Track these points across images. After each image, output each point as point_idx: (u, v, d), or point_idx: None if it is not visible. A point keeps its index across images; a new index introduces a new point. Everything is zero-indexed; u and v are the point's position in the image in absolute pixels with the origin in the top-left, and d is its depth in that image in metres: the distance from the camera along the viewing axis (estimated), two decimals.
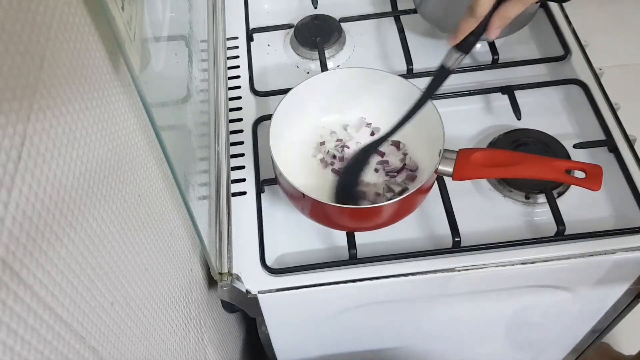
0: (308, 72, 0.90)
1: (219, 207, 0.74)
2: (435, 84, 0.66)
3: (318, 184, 0.74)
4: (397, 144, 0.76)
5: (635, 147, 0.76)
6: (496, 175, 0.72)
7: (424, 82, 0.78)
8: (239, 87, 0.87)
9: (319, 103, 0.77)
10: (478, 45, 0.90)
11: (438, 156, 0.67)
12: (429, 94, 0.67)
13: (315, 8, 0.96)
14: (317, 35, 0.91)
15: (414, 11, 0.91)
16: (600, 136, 0.77)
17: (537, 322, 0.88)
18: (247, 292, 0.69)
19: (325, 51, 0.88)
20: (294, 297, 0.69)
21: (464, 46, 0.62)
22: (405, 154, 0.75)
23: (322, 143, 0.77)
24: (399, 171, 0.74)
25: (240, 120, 0.84)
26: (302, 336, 0.84)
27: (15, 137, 0.29)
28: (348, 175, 0.71)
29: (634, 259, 0.70)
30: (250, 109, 0.85)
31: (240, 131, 0.82)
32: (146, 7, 0.49)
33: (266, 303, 0.70)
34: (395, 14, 0.92)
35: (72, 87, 0.36)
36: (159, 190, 0.54)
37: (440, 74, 0.65)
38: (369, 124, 0.78)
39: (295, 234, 0.74)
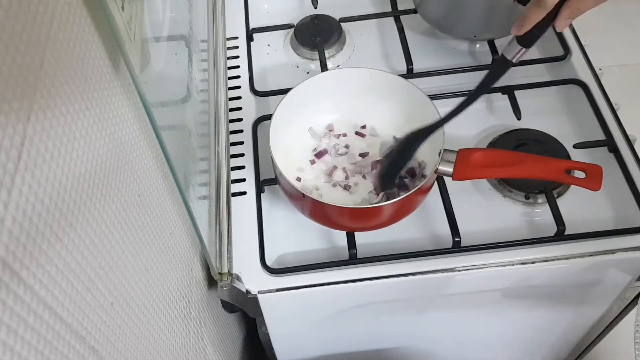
0: (308, 72, 0.90)
1: (219, 207, 0.74)
2: (494, 75, 0.62)
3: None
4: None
5: (635, 147, 0.76)
6: (496, 175, 0.72)
7: (424, 82, 0.79)
8: (239, 87, 0.87)
9: (319, 103, 0.77)
10: (477, 45, 0.90)
11: (438, 156, 0.67)
12: (487, 85, 0.63)
13: (315, 8, 0.96)
14: (317, 35, 0.91)
15: (414, 11, 0.91)
16: (600, 136, 0.77)
17: (537, 322, 0.88)
18: (247, 292, 0.69)
19: (325, 51, 0.88)
20: (294, 297, 0.69)
21: (527, 39, 0.57)
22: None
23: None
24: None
25: (240, 120, 0.84)
26: (302, 336, 0.84)
27: (15, 137, 0.29)
28: (392, 164, 0.70)
29: (634, 259, 0.70)
30: (250, 109, 0.85)
31: (240, 131, 0.82)
32: (146, 7, 0.49)
33: (266, 303, 0.70)
34: (395, 14, 0.92)
35: (72, 87, 0.36)
36: (159, 190, 0.54)
37: (500, 65, 0.61)
38: (363, 126, 0.78)
39: (295, 234, 0.74)
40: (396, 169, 0.70)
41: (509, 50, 0.59)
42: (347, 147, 0.76)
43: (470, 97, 0.64)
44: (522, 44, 0.58)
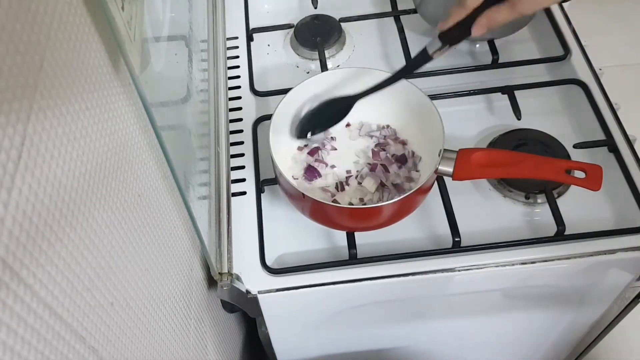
0: (308, 72, 0.90)
1: (219, 207, 0.74)
2: (413, 64, 0.67)
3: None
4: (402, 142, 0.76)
5: (635, 147, 0.76)
6: (496, 175, 0.72)
7: (424, 82, 0.79)
8: (239, 87, 0.87)
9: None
10: (477, 45, 0.90)
11: (438, 156, 0.67)
12: (404, 72, 0.68)
13: (315, 8, 0.96)
14: (317, 35, 0.91)
15: (414, 11, 0.91)
16: (600, 136, 0.77)
17: (537, 322, 0.88)
18: (247, 292, 0.69)
19: (325, 51, 0.88)
20: (294, 297, 0.69)
21: (448, 37, 0.62)
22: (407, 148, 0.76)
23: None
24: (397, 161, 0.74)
25: (240, 120, 0.84)
26: (302, 336, 0.84)
27: (15, 137, 0.29)
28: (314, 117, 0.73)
29: (634, 259, 0.70)
30: (250, 109, 0.85)
31: (240, 131, 0.82)
32: (146, 7, 0.49)
33: (266, 303, 0.70)
34: (395, 14, 0.92)
35: (72, 87, 0.36)
36: (159, 190, 0.54)
37: (420, 56, 0.65)
38: (366, 125, 0.78)
39: (295, 234, 0.74)
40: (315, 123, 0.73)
41: (431, 45, 0.64)
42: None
43: (388, 80, 0.69)
44: (443, 41, 0.62)
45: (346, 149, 0.76)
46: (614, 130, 0.77)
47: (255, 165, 0.78)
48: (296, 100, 0.74)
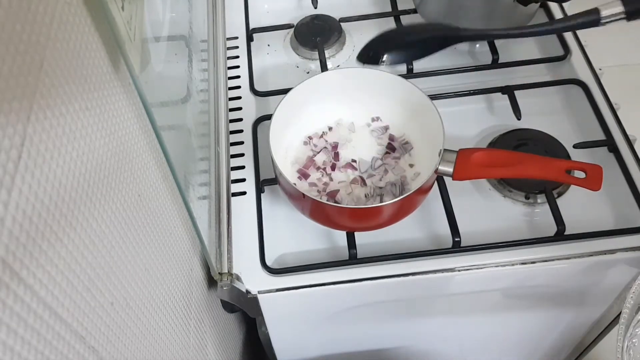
0: (308, 72, 0.90)
1: (219, 207, 0.74)
2: (575, 22, 0.58)
3: None
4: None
5: (635, 147, 0.76)
6: (496, 175, 0.72)
7: (424, 82, 0.79)
8: (239, 87, 0.87)
9: (319, 103, 0.77)
10: (477, 45, 0.90)
11: (438, 156, 0.67)
12: (542, 28, 0.61)
13: (315, 8, 0.96)
14: (317, 35, 0.91)
15: (414, 11, 0.91)
16: (600, 136, 0.77)
17: (537, 322, 0.88)
18: (247, 292, 0.69)
19: (325, 51, 0.88)
20: (294, 297, 0.69)
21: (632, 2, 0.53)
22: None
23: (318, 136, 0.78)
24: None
25: (240, 120, 0.84)
26: (302, 336, 0.84)
27: (15, 137, 0.29)
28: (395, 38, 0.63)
29: (634, 259, 0.70)
30: (250, 109, 0.85)
31: (240, 131, 0.82)
32: (146, 7, 0.49)
33: (266, 303, 0.70)
34: (395, 14, 0.92)
35: (72, 87, 0.36)
36: (159, 190, 0.54)
37: (583, 16, 0.56)
38: (369, 124, 0.78)
39: (295, 234, 0.74)
40: (387, 47, 0.63)
41: (608, 6, 0.55)
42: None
43: (529, 32, 0.62)
44: (626, 5, 0.53)
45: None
46: (614, 130, 0.77)
47: (255, 165, 0.78)
48: (296, 101, 0.74)
